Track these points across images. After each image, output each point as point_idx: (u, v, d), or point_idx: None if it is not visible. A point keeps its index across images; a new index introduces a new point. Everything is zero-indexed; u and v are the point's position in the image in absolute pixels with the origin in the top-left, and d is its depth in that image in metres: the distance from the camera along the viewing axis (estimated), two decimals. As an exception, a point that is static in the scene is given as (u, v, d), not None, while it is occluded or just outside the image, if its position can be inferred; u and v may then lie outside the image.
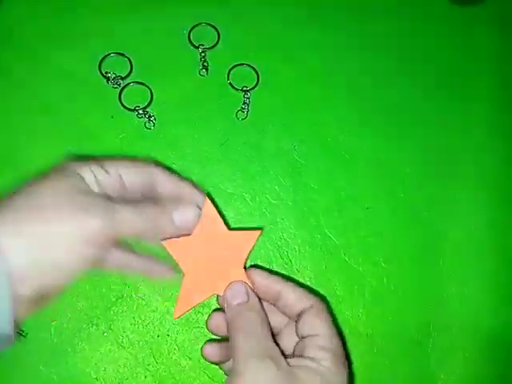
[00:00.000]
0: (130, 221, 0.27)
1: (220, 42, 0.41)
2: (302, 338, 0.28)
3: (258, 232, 0.31)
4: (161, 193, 0.31)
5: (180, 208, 0.30)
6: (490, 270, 0.40)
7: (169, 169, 0.35)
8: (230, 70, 0.41)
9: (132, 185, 0.30)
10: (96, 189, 0.28)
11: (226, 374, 0.31)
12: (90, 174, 0.28)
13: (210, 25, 0.41)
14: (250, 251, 0.31)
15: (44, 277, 0.25)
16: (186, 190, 0.32)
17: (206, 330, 0.35)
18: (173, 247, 0.31)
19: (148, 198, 0.31)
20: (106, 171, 0.29)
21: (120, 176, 0.29)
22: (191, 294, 0.30)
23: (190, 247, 0.31)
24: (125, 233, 0.27)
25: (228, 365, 0.30)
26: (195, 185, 0.32)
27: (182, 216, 0.30)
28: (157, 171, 0.31)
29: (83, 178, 0.27)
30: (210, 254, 0.31)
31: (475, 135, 0.42)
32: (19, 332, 0.33)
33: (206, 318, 0.35)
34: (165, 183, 0.31)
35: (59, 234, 0.25)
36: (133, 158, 0.32)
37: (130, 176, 0.30)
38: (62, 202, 0.26)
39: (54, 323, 0.35)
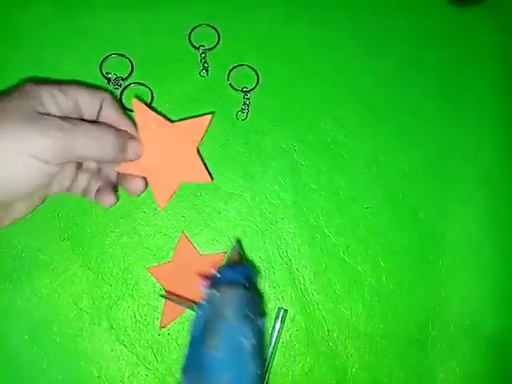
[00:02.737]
0: (82, 143, 0.29)
1: (220, 42, 0.41)
2: None
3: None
4: (104, 116, 0.33)
5: (132, 141, 0.33)
6: (489, 270, 0.40)
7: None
8: (230, 71, 0.41)
9: (87, 109, 0.32)
10: (54, 110, 0.30)
11: None
12: (49, 96, 0.30)
13: (210, 26, 0.41)
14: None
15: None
16: (128, 126, 0.34)
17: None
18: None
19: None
20: (65, 94, 0.30)
21: (77, 100, 0.31)
22: (163, 186, 0.34)
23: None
24: (78, 155, 0.29)
25: None
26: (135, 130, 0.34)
27: (134, 148, 0.33)
28: (108, 98, 0.33)
29: (42, 99, 0.29)
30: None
31: (475, 135, 0.42)
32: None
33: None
34: (110, 112, 0.33)
35: (13, 150, 0.26)
36: (88, 85, 0.34)
37: (86, 100, 0.32)
38: (20, 120, 0.27)
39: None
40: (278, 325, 0.36)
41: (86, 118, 0.33)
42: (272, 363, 0.36)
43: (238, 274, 0.32)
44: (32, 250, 0.36)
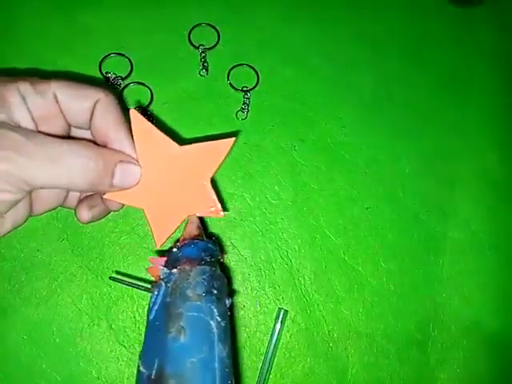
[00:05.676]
0: (37, 167, 0.22)
1: (220, 42, 0.41)
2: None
3: (232, 140, 0.27)
4: (96, 126, 0.26)
5: (124, 164, 0.25)
6: (490, 270, 0.40)
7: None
8: (229, 70, 0.41)
9: (72, 115, 0.25)
10: (23, 117, 0.23)
11: None
12: (18, 98, 0.23)
13: (210, 25, 0.41)
14: (221, 163, 0.28)
15: None
16: (125, 143, 0.26)
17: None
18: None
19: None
20: (41, 94, 0.24)
21: (57, 100, 0.25)
22: (163, 222, 0.28)
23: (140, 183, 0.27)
24: (39, 185, 0.22)
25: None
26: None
27: (125, 174, 0.26)
28: (103, 100, 0.25)
29: (7, 102, 0.23)
30: (165, 179, 0.27)
31: (475, 135, 0.42)
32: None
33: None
34: (103, 120, 0.25)
35: None
36: (80, 80, 0.26)
37: (71, 102, 0.25)
38: None
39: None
40: (278, 325, 0.36)
41: (72, 126, 0.27)
42: (272, 364, 0.36)
43: (199, 249, 0.27)
44: (31, 250, 0.36)
